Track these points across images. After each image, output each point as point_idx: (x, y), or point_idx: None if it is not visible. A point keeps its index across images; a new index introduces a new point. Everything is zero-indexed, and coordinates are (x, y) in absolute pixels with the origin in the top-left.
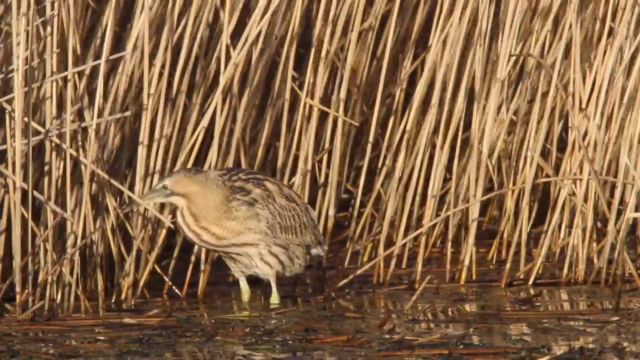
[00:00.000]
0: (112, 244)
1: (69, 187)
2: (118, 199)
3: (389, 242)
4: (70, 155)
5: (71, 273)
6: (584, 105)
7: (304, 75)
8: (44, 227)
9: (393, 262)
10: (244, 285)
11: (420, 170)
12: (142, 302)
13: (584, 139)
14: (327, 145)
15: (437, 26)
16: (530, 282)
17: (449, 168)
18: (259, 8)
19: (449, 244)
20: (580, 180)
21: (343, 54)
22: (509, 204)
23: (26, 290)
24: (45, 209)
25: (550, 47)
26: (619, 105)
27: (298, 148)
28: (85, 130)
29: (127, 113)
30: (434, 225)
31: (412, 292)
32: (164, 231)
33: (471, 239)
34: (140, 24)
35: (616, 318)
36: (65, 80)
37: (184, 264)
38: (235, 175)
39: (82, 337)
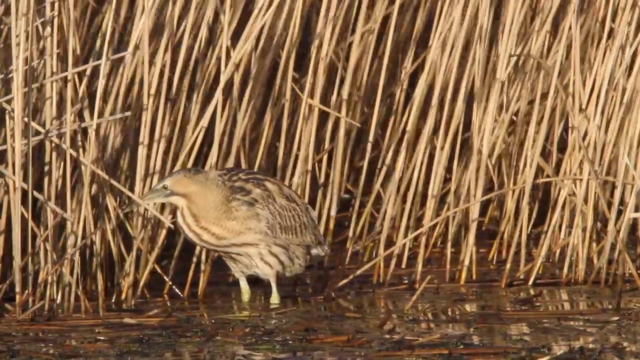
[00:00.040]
0: (112, 244)
1: (69, 187)
2: (118, 199)
3: (389, 242)
4: (70, 155)
5: (71, 273)
6: (584, 106)
7: (304, 75)
8: (44, 227)
9: (393, 262)
10: (244, 285)
11: (420, 171)
12: (142, 302)
13: (584, 139)
14: (326, 146)
15: (437, 27)
16: (531, 282)
17: (449, 168)
18: (258, 8)
19: (449, 244)
20: (581, 180)
21: (342, 53)
22: (510, 204)
23: (26, 290)
24: (45, 209)
25: (550, 47)
26: (619, 105)
27: (299, 148)
28: (85, 130)
29: (127, 113)
30: (434, 226)
31: (412, 292)
32: (164, 231)
33: (471, 239)
34: (141, 25)
35: (616, 318)
36: (65, 80)
37: (185, 264)
38: (235, 176)
39: (82, 337)
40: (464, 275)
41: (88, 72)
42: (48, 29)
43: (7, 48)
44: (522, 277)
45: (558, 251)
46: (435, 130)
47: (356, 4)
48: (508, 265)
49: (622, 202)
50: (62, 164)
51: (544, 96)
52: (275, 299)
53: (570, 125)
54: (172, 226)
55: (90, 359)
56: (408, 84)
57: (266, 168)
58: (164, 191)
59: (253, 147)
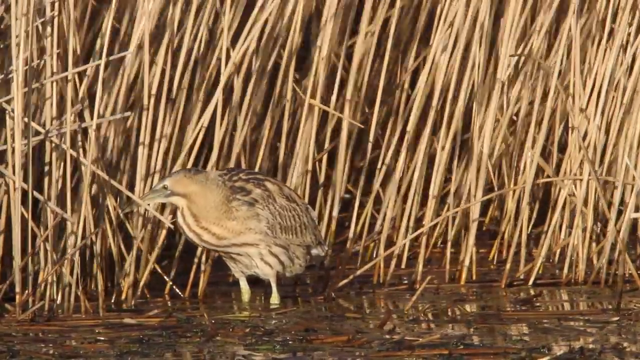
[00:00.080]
0: (112, 244)
1: (69, 187)
2: (118, 199)
3: (389, 242)
4: (70, 155)
5: (71, 273)
6: (584, 106)
7: (305, 76)
8: (44, 227)
9: (393, 262)
10: (244, 285)
11: (420, 171)
12: (142, 302)
13: (584, 139)
14: (326, 146)
15: (437, 27)
16: (531, 282)
17: (449, 168)
18: (258, 7)
19: (449, 244)
20: (581, 180)
21: (343, 53)
22: (510, 204)
23: (26, 291)
24: (45, 209)
25: (551, 48)
26: (619, 105)
27: (299, 148)
28: (85, 130)
29: (128, 113)
30: (435, 226)
31: (412, 292)
32: (163, 231)
33: (471, 239)
34: (142, 26)
35: (616, 318)
36: (65, 80)
37: (186, 265)
38: (235, 176)
39: (82, 337)
40: (464, 276)
41: (88, 72)
42: (48, 29)
43: (7, 48)
44: (522, 277)
45: (558, 251)
46: (436, 131)
47: (355, 3)
48: (508, 266)
49: (622, 202)
50: (62, 164)
51: (545, 96)
52: (275, 299)
53: (570, 125)
54: (172, 226)
55: (90, 359)
56: (409, 84)
57: (267, 168)
58: (164, 191)
59: (254, 147)
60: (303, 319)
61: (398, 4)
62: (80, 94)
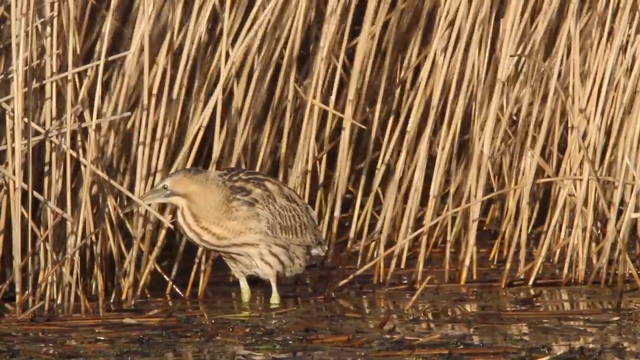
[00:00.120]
0: (112, 244)
1: (69, 187)
2: (118, 199)
3: (389, 242)
4: (70, 155)
5: (71, 273)
6: (583, 106)
7: (306, 76)
8: (44, 227)
9: (393, 262)
10: (244, 285)
11: (421, 171)
12: (142, 302)
13: (584, 139)
14: (325, 146)
15: (438, 26)
16: (531, 282)
17: (449, 168)
18: (257, 5)
19: (450, 244)
20: (581, 180)
21: (341, 53)
22: (511, 204)
23: (26, 290)
24: (45, 209)
25: (551, 48)
26: (619, 105)
27: (299, 148)
28: (85, 130)
29: (127, 113)
30: (435, 226)
31: (412, 292)
32: (163, 231)
33: (472, 239)
34: (142, 28)
35: (617, 318)
36: (65, 80)
37: (186, 264)
38: (235, 176)
39: (82, 337)
40: (464, 275)
41: (89, 72)
42: (48, 29)
43: (7, 48)
44: (522, 277)
45: (558, 251)
46: (436, 131)
47: (354, 3)
48: (508, 265)
49: (622, 202)
50: (62, 164)
51: (545, 96)
52: (275, 299)
53: (570, 125)
54: (172, 226)
55: (90, 359)
56: (409, 84)
57: (267, 168)
58: (164, 191)
59: (254, 148)
60: (303, 318)
61: (399, 5)
62: (81, 95)
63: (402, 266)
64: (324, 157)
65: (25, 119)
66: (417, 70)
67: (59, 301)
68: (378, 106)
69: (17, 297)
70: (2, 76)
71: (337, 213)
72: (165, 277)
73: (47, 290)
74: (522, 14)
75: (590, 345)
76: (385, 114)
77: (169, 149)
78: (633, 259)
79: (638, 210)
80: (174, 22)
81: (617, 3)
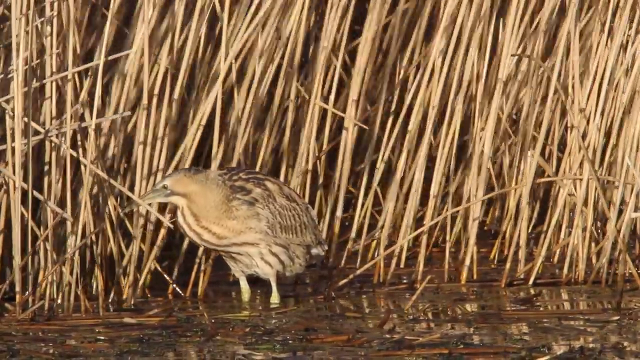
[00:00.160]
0: (112, 244)
1: (69, 187)
2: (118, 199)
3: (390, 242)
4: (70, 155)
5: (71, 273)
6: (583, 106)
7: (307, 76)
8: (44, 227)
9: (394, 261)
10: (244, 284)
11: (421, 170)
12: (142, 302)
13: (584, 139)
14: (324, 146)
15: (439, 26)
16: (531, 281)
17: (450, 168)
18: (255, 4)
19: (449, 244)
20: (581, 180)
21: (341, 54)
22: (511, 203)
23: (26, 290)
24: (45, 209)
25: (551, 47)
26: (619, 105)
27: (300, 148)
28: (85, 130)
29: (127, 113)
30: (435, 225)
31: (412, 291)
32: (163, 231)
33: (472, 238)
34: (143, 28)
35: (617, 318)
36: (65, 80)
37: (186, 264)
38: (235, 175)
39: (82, 337)
40: (464, 275)
41: (90, 72)
42: (48, 28)
43: (7, 47)
44: (522, 276)
45: (558, 251)
46: (437, 130)
47: (354, 4)
48: (508, 265)
49: (622, 202)
50: (62, 164)
51: (545, 96)
52: (275, 298)
53: (570, 125)
54: (172, 226)
55: (90, 358)
56: (410, 83)
57: (268, 168)
58: (164, 191)
59: (255, 147)
60: (303, 318)
61: (401, 5)
62: (82, 95)
63: (402, 266)
64: (324, 157)
65: (25, 119)
66: (417, 69)
67: (59, 301)
68: (380, 106)
69: (17, 296)
70: (2, 76)
71: (339, 213)
72: (165, 276)
73: (47, 290)
74: (522, 14)
75: (590, 345)
76: (385, 114)
77: (169, 148)
78: (633, 258)
79: (638, 209)
80: (175, 23)
81: (617, 3)
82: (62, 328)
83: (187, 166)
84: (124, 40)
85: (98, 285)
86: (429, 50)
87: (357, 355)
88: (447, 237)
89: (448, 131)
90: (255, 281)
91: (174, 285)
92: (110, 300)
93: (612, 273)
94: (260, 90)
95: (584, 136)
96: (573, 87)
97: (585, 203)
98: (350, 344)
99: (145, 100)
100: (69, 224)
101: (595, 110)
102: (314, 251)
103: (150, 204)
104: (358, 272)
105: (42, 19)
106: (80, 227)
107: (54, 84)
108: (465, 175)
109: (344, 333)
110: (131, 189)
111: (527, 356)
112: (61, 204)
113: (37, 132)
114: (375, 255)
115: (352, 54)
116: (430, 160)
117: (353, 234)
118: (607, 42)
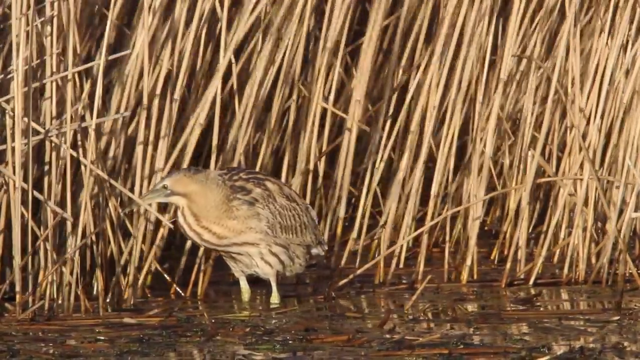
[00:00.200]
0: (112, 243)
1: (69, 187)
2: (118, 199)
3: (390, 242)
4: (71, 155)
5: (71, 273)
6: (583, 106)
7: (308, 76)
8: (44, 227)
9: (394, 261)
10: (244, 284)
11: (421, 170)
12: (142, 302)
13: (584, 139)
14: (324, 147)
15: (440, 25)
16: (531, 282)
17: (450, 168)
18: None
19: (449, 244)
20: (581, 180)
21: (341, 54)
22: (512, 204)
23: (26, 290)
24: (45, 209)
25: (551, 47)
26: (619, 105)
27: (301, 148)
28: (85, 130)
29: (127, 113)
30: (435, 225)
31: (412, 291)
32: (163, 230)
33: (472, 238)
34: (143, 32)
35: (617, 318)
36: (65, 80)
37: (186, 264)
38: (235, 175)
39: (82, 337)
40: (465, 275)
41: (92, 72)
42: (48, 28)
43: (7, 48)
44: (522, 276)
45: (558, 251)
46: (437, 130)
47: (352, 4)
48: (508, 265)
49: (623, 202)
50: (62, 163)
51: (545, 97)
52: (275, 298)
53: (570, 125)
54: (172, 226)
55: (90, 358)
56: (411, 83)
57: (269, 169)
58: (164, 191)
59: (255, 148)
60: (303, 318)
61: (404, 5)
62: (83, 95)
63: (402, 266)
64: (325, 158)
65: (25, 119)
66: (417, 69)
67: (59, 301)
68: (384, 106)
69: (17, 296)
70: (2, 76)
71: (341, 213)
72: (165, 276)
73: (47, 290)
74: (524, 14)
75: (591, 345)
76: (386, 114)
77: (169, 148)
78: (633, 258)
79: (638, 210)
80: (176, 22)
81: (617, 3)
82: (62, 328)
83: (186, 166)
84: (125, 40)
85: (98, 285)
86: (429, 51)
87: (357, 355)
88: (448, 237)
89: (448, 131)
90: (255, 281)
91: (175, 286)
92: (110, 301)
93: (612, 273)
94: (261, 91)
95: (584, 136)
96: (573, 87)
97: (586, 203)
98: (350, 344)
99: (145, 101)
100: (69, 224)
101: (596, 111)
102: (314, 251)
103: (150, 204)
104: (358, 272)
105: (42, 19)
106: (80, 227)
107: (54, 84)
108: (465, 175)
109: (344, 333)
110: (131, 189)
111: (527, 356)
112: (61, 204)
113: (37, 132)
114: (376, 256)
115: (352, 54)
116: (431, 160)
117: (354, 234)
118: (607, 42)
